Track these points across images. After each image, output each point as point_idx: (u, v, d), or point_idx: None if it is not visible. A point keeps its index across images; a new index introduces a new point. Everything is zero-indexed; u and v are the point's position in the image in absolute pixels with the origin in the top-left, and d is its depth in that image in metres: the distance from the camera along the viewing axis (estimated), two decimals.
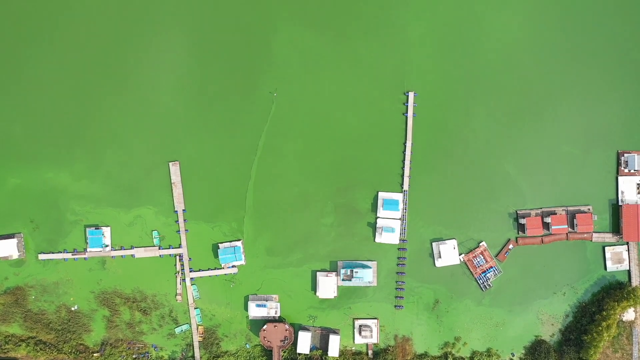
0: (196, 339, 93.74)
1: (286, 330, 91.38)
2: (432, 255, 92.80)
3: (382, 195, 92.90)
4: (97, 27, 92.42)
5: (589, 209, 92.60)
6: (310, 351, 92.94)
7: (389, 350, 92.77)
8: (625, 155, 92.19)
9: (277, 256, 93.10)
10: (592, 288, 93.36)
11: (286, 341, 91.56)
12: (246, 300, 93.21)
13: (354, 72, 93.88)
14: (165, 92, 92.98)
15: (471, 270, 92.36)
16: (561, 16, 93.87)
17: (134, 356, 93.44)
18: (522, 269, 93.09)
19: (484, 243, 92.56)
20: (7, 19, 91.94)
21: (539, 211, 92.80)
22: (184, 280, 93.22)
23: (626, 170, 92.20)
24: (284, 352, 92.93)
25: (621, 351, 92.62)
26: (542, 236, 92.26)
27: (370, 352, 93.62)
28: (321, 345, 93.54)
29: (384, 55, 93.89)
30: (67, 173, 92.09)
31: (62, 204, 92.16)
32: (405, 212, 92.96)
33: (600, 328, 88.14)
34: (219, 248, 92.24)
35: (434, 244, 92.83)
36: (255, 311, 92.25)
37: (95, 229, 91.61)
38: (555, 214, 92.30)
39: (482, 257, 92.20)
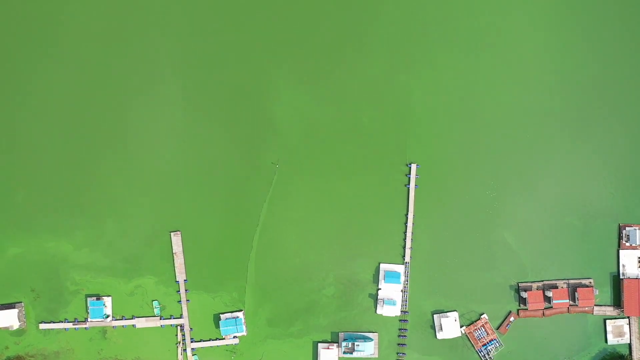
0: None
1: None
2: (433, 327, 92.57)
3: (383, 267, 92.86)
4: (98, 93, 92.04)
5: (590, 282, 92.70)
6: None
7: None
8: (627, 228, 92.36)
9: (278, 327, 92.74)
10: None
11: None
12: None
13: (356, 142, 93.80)
14: (167, 161, 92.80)
15: (472, 342, 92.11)
16: (562, 88, 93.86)
17: None
18: (523, 341, 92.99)
19: (485, 315, 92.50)
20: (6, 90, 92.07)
21: (540, 284, 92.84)
22: (185, 350, 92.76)
23: (627, 244, 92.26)
24: None
25: None
26: (543, 310, 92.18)
27: None
28: None
29: (387, 126, 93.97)
30: (67, 242, 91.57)
31: (63, 273, 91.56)
32: (406, 284, 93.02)
33: None
34: (220, 318, 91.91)
35: (435, 316, 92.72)
36: None
37: (97, 299, 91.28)
38: (557, 287, 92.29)
39: (484, 330, 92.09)
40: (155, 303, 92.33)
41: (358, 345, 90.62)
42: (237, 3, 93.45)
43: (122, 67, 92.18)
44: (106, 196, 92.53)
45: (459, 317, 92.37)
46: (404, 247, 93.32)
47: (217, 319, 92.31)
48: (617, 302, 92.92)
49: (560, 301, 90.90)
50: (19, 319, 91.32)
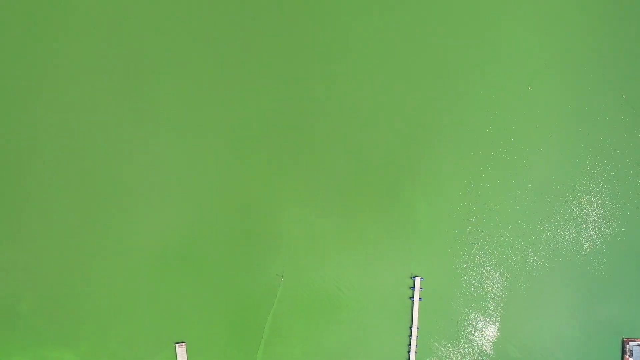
0: None
1: None
2: None
3: None
4: (101, 199, 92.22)
5: None
6: None
7: None
8: (631, 343, 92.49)
9: None
10: None
11: None
12: None
13: (361, 255, 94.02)
14: (173, 269, 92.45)
15: None
16: (568, 220, 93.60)
17: None
18: None
19: None
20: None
21: None
22: None
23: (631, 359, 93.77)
24: None
25: None
26: None
27: None
28: None
29: (391, 238, 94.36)
30: (71, 352, 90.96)
31: None
32: None
33: None
34: None
35: None
36: None
37: None
38: None
39: None
40: None
41: None
42: (245, 130, 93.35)
43: (121, 185, 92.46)
44: (110, 305, 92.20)
45: None
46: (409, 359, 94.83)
47: None
48: None
49: None
50: None
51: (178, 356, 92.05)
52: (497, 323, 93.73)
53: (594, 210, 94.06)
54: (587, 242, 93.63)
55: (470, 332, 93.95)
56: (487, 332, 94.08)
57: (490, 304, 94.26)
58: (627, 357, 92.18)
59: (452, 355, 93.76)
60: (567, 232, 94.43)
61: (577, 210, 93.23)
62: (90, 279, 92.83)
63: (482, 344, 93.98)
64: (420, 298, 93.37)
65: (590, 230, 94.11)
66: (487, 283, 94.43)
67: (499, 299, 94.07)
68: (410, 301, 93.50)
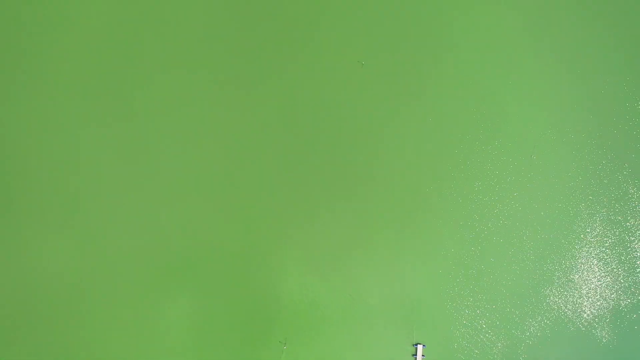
0: None
1: None
2: None
3: None
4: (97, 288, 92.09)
5: None
6: None
7: None
8: None
9: None
10: None
11: None
12: None
13: (363, 321, 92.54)
14: (172, 338, 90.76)
15: None
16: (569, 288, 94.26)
17: None
18: None
19: None
20: None
21: None
22: None
23: None
24: None
25: None
26: None
27: None
28: None
29: (393, 306, 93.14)
30: None
31: None
32: None
33: None
34: None
35: None
36: None
37: None
38: None
39: None
40: None
41: None
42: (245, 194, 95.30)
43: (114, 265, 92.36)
44: None
45: None
46: None
47: None
48: None
49: None
50: None
51: None
52: None
53: (597, 276, 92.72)
54: (589, 310, 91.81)
55: None
56: None
57: None
58: None
59: None
60: (569, 300, 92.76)
61: (579, 278, 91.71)
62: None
63: None
64: None
65: (592, 298, 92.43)
66: (492, 354, 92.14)
67: None
68: None
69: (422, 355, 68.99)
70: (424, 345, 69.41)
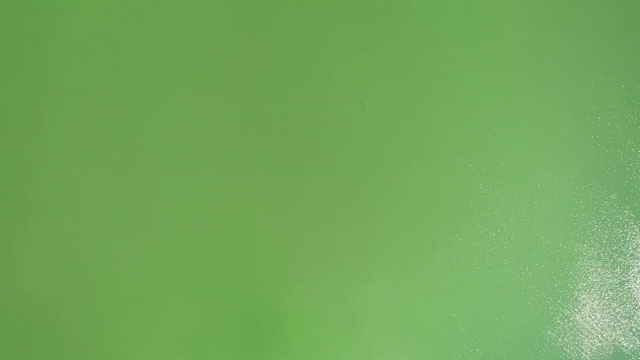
0: None
1: None
2: None
3: None
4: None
5: None
6: None
7: None
8: None
9: None
10: None
11: None
12: None
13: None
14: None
15: None
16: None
17: None
18: None
19: None
20: None
21: None
22: None
23: None
24: None
25: None
26: None
27: None
28: None
29: (395, 350, 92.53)
30: None
31: None
32: None
33: None
34: None
35: None
36: None
37: None
38: None
39: None
40: None
41: None
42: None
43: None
44: None
45: None
46: None
47: None
48: None
49: None
50: None
51: None
52: None
53: (597, 318, 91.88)
54: (589, 350, 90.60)
55: None
56: None
57: None
58: None
59: None
60: (569, 340, 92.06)
61: (581, 319, 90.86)
62: None
63: None
64: None
65: (593, 338, 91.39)
66: None
67: None
68: None
69: None
70: None
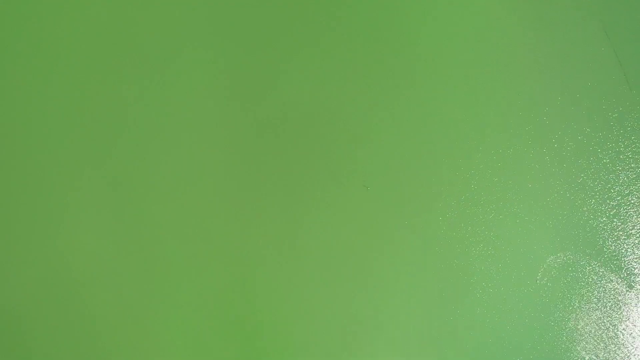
0: None
1: None
2: None
3: None
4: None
5: None
6: None
7: None
8: None
9: None
10: None
11: None
12: None
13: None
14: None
15: None
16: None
17: None
18: None
19: None
20: None
21: None
22: None
23: None
24: None
25: None
26: None
27: None
28: None
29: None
30: None
31: None
32: None
33: None
34: None
35: None
36: None
37: None
38: None
39: None
40: None
41: None
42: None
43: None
44: None
45: None
46: None
47: None
48: None
49: None
50: None
51: None
52: None
53: (595, 337, 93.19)
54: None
55: None
56: None
57: None
58: None
59: None
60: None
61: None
62: None
63: None
64: None
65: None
66: None
67: None
68: None
69: None
70: None
